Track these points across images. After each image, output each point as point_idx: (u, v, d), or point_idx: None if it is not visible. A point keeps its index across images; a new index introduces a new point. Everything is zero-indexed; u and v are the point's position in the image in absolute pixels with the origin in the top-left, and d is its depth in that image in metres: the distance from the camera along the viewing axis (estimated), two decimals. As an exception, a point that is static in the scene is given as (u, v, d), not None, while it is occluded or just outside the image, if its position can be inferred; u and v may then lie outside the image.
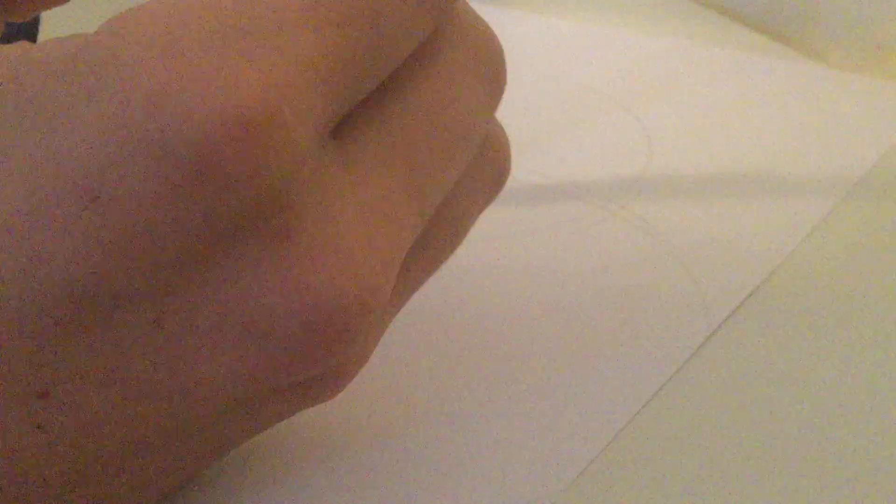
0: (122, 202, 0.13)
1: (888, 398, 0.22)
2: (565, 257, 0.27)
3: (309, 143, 0.15)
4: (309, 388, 0.17)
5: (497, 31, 0.20)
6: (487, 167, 0.20)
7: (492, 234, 0.27)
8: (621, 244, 0.28)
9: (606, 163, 0.32)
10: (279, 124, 0.14)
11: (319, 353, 0.15)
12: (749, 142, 0.33)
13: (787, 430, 0.21)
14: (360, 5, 0.15)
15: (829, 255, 0.27)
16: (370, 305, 0.16)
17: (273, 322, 0.15)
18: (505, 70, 0.19)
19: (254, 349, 0.15)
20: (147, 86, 0.13)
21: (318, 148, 0.15)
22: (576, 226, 0.29)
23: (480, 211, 0.20)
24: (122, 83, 0.13)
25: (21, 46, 0.15)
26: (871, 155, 0.32)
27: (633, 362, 0.23)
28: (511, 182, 0.21)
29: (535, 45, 0.43)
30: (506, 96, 0.20)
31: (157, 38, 0.14)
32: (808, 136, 0.34)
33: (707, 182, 0.31)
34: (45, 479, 0.15)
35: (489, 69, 0.19)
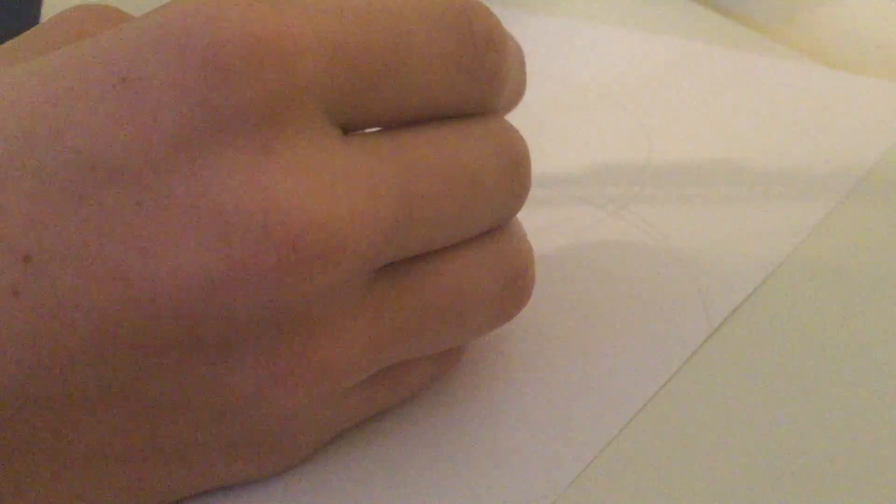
0: (143, 84, 0.16)
1: (888, 398, 0.22)
2: (565, 257, 0.27)
3: (308, 88, 0.17)
4: (247, 456, 0.19)
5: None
6: (499, 259, 0.20)
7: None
8: (621, 244, 0.28)
9: (607, 163, 0.32)
10: (281, 53, 0.16)
11: (273, 268, 0.16)
12: (749, 142, 0.33)
13: (786, 430, 0.21)
14: (385, 22, 0.18)
15: (829, 255, 0.27)
16: (331, 233, 0.16)
17: (237, 217, 0.16)
18: (528, 177, 0.21)
19: (212, 244, 0.16)
20: (189, 4, 0.16)
21: (320, 107, 0.17)
22: (576, 226, 0.29)
23: (490, 314, 0.20)
24: (173, 4, 0.17)
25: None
26: (872, 155, 0.32)
27: (633, 362, 0.23)
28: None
29: (534, 44, 0.43)
30: (506, 96, 0.20)
31: None
32: (808, 136, 0.34)
33: (707, 182, 0.31)
34: (13, 357, 0.16)
35: (512, 164, 0.20)
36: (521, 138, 0.21)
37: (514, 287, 0.21)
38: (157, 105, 0.16)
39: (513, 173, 0.20)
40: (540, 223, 0.28)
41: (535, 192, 0.21)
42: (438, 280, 0.19)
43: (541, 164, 0.32)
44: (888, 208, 0.29)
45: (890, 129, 0.34)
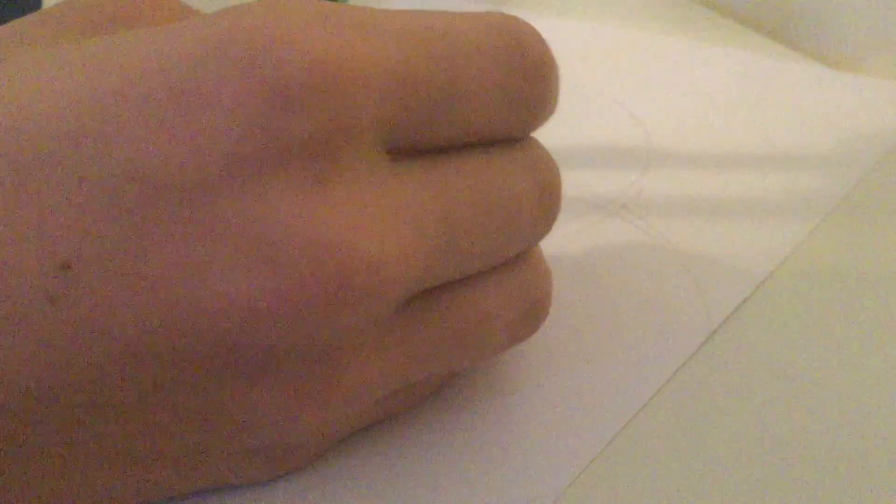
0: (201, 100, 0.15)
1: (887, 398, 0.22)
2: (565, 257, 0.27)
3: (367, 120, 0.16)
4: (262, 458, 0.19)
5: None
6: (522, 287, 0.20)
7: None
8: (621, 244, 0.28)
9: (607, 163, 0.32)
10: (345, 84, 0.16)
11: (320, 303, 0.16)
12: (749, 142, 0.33)
13: (786, 430, 0.21)
14: (444, 51, 0.17)
15: (829, 255, 0.27)
16: (381, 272, 0.16)
17: (287, 248, 0.16)
18: (559, 205, 0.21)
19: (260, 273, 0.16)
20: (252, 20, 0.16)
21: (375, 136, 0.17)
22: (576, 226, 0.29)
23: (507, 337, 0.20)
24: (235, 18, 0.16)
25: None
26: (872, 155, 0.32)
27: (634, 362, 0.23)
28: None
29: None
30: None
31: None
32: (808, 135, 0.34)
33: (707, 182, 0.31)
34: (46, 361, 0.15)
35: (546, 194, 0.20)
36: (555, 166, 0.21)
37: (532, 312, 0.21)
38: (214, 124, 0.15)
39: (545, 202, 0.20)
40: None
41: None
42: (465, 308, 0.19)
43: (541, 164, 0.32)
44: (888, 208, 0.29)
45: (890, 129, 0.34)
